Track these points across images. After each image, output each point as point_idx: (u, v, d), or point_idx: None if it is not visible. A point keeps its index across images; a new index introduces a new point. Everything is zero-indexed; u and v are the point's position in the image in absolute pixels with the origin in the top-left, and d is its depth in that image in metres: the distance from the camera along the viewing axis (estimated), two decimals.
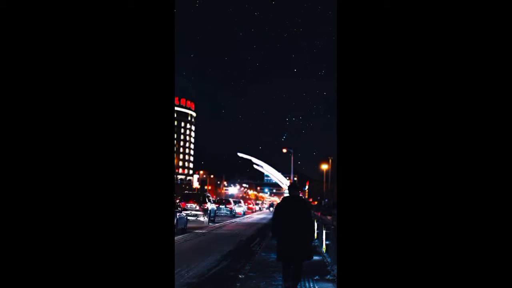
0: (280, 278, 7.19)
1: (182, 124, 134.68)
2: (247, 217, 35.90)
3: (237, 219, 30.64)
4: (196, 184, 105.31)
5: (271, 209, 30.92)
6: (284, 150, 49.08)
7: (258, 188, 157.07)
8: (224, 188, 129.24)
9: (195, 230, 18.60)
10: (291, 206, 6.20)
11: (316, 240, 13.44)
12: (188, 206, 23.05)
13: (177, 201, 21.62)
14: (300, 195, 6.70)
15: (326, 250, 10.55)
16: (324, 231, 10.97)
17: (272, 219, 6.36)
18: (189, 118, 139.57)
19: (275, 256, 6.43)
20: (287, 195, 6.53)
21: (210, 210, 24.67)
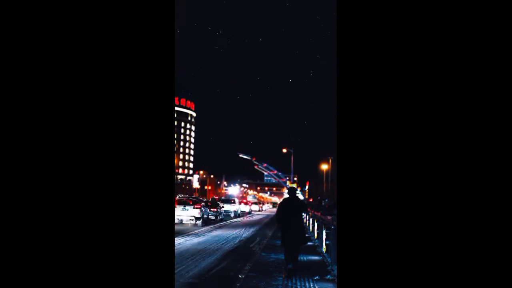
0: (280, 278, 7.63)
1: (182, 124, 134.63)
2: None
3: None
4: (196, 184, 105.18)
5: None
6: (284, 150, 49.05)
7: (258, 188, 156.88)
8: (224, 188, 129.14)
9: None
10: (290, 204, 8.20)
11: (316, 240, 13.44)
12: None
13: None
14: (299, 196, 8.75)
15: (326, 250, 10.54)
16: (324, 231, 10.96)
17: (276, 214, 8.53)
18: (189, 118, 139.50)
19: (275, 256, 7.46)
20: (287, 196, 8.54)
21: None
